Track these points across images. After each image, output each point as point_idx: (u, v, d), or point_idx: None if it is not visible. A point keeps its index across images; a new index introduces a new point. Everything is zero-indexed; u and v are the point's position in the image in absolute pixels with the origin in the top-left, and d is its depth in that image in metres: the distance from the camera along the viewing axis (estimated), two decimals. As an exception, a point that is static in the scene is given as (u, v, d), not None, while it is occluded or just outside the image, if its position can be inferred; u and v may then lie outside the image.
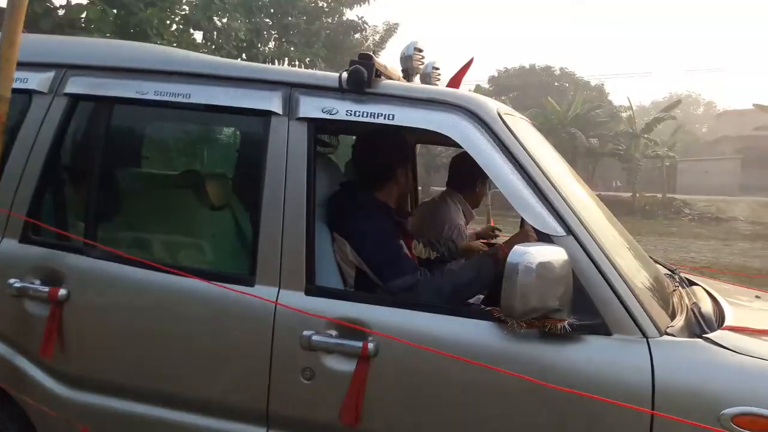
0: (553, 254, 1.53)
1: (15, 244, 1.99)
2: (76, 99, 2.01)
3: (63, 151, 2.04)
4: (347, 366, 1.71)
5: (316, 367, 1.73)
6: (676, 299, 1.99)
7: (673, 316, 1.78)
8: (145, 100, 1.94)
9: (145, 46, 2.11)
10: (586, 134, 27.16)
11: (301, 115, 1.83)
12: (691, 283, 2.39)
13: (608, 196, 30.62)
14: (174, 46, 18.23)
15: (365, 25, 28.54)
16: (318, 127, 1.86)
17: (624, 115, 31.04)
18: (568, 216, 1.67)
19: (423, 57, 2.38)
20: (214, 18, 21.51)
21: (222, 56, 20.87)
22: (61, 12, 16.16)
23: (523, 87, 39.47)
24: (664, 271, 2.45)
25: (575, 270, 1.61)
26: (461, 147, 1.77)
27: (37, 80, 2.04)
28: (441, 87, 2.04)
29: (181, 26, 20.18)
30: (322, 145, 2.48)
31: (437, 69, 2.66)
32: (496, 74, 42.68)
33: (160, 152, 2.30)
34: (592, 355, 1.60)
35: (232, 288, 1.75)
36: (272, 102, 1.85)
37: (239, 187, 2.27)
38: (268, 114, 1.85)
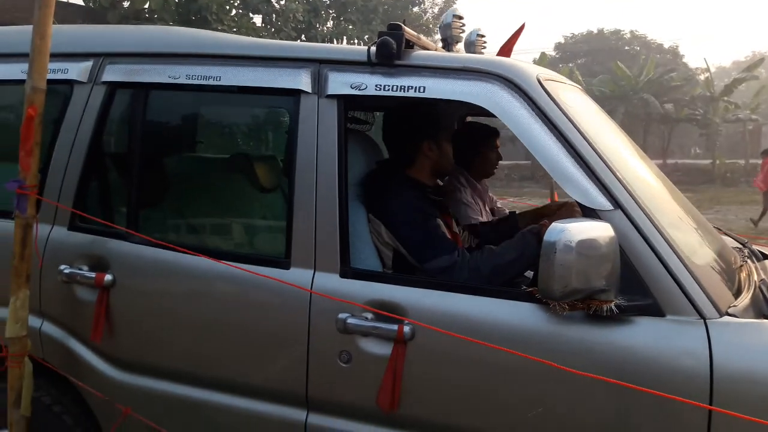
0: (597, 230, 1.41)
1: (64, 231, 2.05)
2: (114, 86, 2.03)
3: (104, 138, 2.07)
4: (384, 349, 1.66)
5: (352, 350, 1.69)
6: (743, 275, 1.83)
7: (738, 294, 1.63)
8: (177, 84, 1.93)
9: (175, 30, 2.11)
10: (659, 99, 25.88)
11: (330, 93, 1.77)
12: (765, 257, 2.20)
13: (686, 164, 29.18)
14: (233, 31, 18.56)
15: (423, -3, 28.08)
16: (348, 103, 1.80)
17: (701, 77, 29.36)
18: (616, 189, 1.54)
19: (463, 25, 2.27)
20: (272, 0, 21.75)
21: (281, 38, 21.15)
22: (126, 4, 16.74)
23: (591, 53, 37.95)
24: (733, 244, 2.27)
25: (624, 246, 1.49)
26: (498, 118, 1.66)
27: (76, 70, 2.07)
28: (476, 55, 1.92)
29: (240, 11, 20.54)
30: (358, 122, 2.42)
31: (482, 36, 2.54)
32: (562, 41, 41.18)
33: (195, 135, 2.31)
34: (643, 338, 1.48)
35: (264, 275, 1.72)
36: (301, 80, 1.79)
37: (275, 169, 2.25)
38: (297, 93, 1.80)
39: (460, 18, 2.25)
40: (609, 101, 24.88)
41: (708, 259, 1.71)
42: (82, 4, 16.49)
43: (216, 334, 1.87)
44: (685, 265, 1.50)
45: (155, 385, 1.93)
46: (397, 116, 2.10)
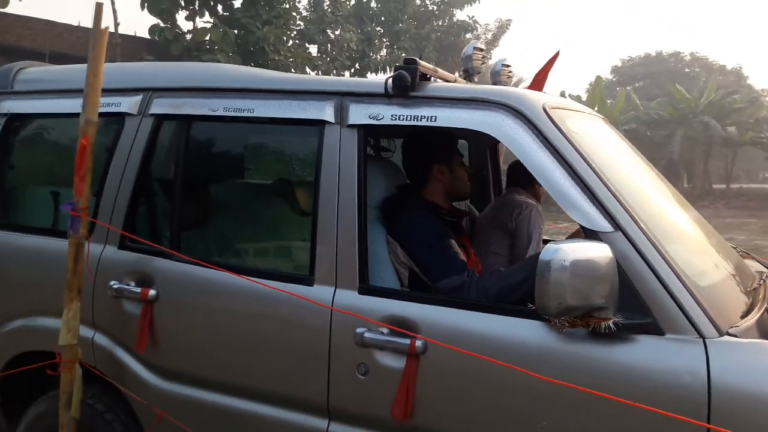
0: (593, 251, 1.48)
1: (115, 250, 2.25)
2: (160, 118, 2.23)
3: (152, 165, 2.26)
4: (398, 362, 1.75)
5: (369, 363, 1.80)
6: (759, 296, 1.85)
7: (747, 315, 1.66)
8: (216, 116, 2.11)
9: (215, 66, 2.30)
10: (721, 122, 25.11)
11: (351, 122, 1.91)
12: None
13: (751, 189, 28.00)
14: (290, 62, 19.19)
15: (476, 24, 28.27)
16: (368, 132, 1.93)
17: (767, 99, 28.31)
18: (617, 211, 1.61)
19: (484, 56, 2.39)
20: (327, 31, 22.42)
21: (336, 67, 21.56)
22: (188, 36, 17.60)
23: (650, 75, 37.21)
24: (759, 267, 2.27)
25: (624, 267, 1.55)
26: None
27: (127, 104, 2.28)
28: (485, 86, 2.03)
29: (297, 41, 21.24)
30: (381, 149, 2.55)
31: (507, 66, 2.64)
32: (619, 64, 40.58)
33: (232, 163, 2.49)
34: (642, 355, 1.53)
35: (289, 292, 1.85)
36: (325, 111, 1.94)
37: (304, 193, 2.41)
38: (322, 123, 1.95)
39: (481, 50, 2.36)
40: (667, 124, 24.34)
41: (715, 279, 1.74)
42: (148, 37, 17.43)
43: (248, 347, 2.00)
44: (685, 285, 1.54)
45: (192, 393, 2.08)
46: (410, 142, 2.23)
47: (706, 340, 1.50)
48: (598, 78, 25.06)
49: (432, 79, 1.98)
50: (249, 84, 2.10)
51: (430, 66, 1.98)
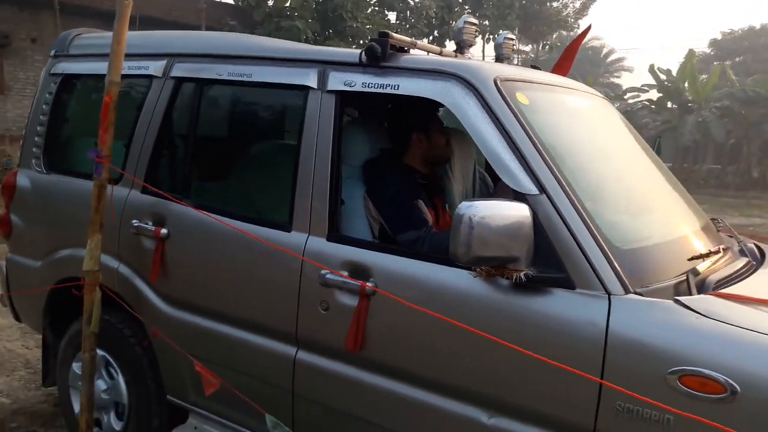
0: (507, 209, 1.65)
1: (138, 193, 2.59)
2: (180, 81, 2.54)
3: (171, 122, 2.58)
4: (353, 301, 2.00)
5: (330, 300, 2.05)
6: (703, 264, 1.92)
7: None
8: (222, 79, 2.40)
9: (224, 35, 2.57)
10: (826, 102, 23.22)
11: (329, 88, 2.13)
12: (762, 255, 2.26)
13: None
14: (367, 28, 19.31)
15: (563, -9, 27.28)
16: (344, 98, 2.14)
17: None
18: (544, 176, 1.75)
19: (477, 30, 2.52)
20: (407, -3, 22.32)
21: (414, 34, 21.50)
22: (270, 2, 18.07)
23: (752, 50, 34.66)
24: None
25: (546, 226, 1.71)
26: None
27: (154, 67, 2.60)
28: (446, 58, 2.18)
29: (375, 8, 21.31)
30: (366, 113, 2.76)
31: (510, 39, 2.77)
32: (719, 36, 38.01)
33: (234, 121, 2.78)
34: (554, 306, 1.69)
35: (266, 241, 2.13)
36: (309, 78, 2.17)
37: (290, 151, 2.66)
38: (306, 88, 2.18)
39: (473, 24, 2.50)
40: (765, 102, 22.77)
41: (645, 244, 1.86)
42: (232, 2, 18.04)
43: (236, 282, 2.31)
44: (600, 246, 1.68)
45: (190, 318, 2.42)
46: (393, 111, 2.42)
47: (611, 296, 1.64)
48: (691, 52, 23.70)
49: (409, 51, 2.16)
50: (248, 52, 2.37)
51: (408, 39, 2.16)
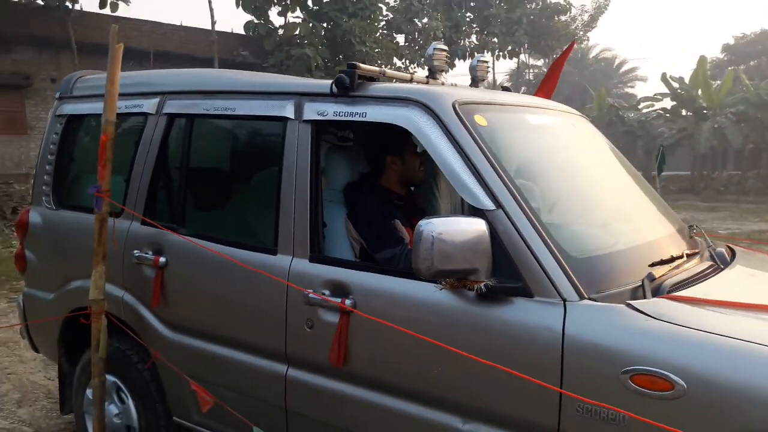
0: (464, 225, 1.76)
1: (138, 225, 2.75)
2: (172, 117, 2.71)
3: (165, 156, 2.74)
4: (335, 318, 2.11)
5: (314, 318, 2.17)
6: (662, 269, 2.00)
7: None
8: (209, 114, 2.57)
9: (209, 72, 2.75)
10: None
11: (305, 118, 2.28)
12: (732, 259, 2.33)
13: None
14: (376, 52, 19.62)
15: (570, 6, 27.42)
16: (319, 127, 2.29)
17: None
18: (501, 193, 1.87)
19: (447, 55, 2.65)
20: (415, 20, 22.68)
21: (423, 55, 21.74)
22: (280, 32, 18.48)
23: (767, 53, 34.38)
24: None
25: (504, 239, 1.82)
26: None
27: (147, 105, 2.78)
28: (409, 85, 2.31)
29: (384, 31, 21.64)
30: (345, 140, 2.90)
31: (484, 61, 2.90)
32: (731, 41, 37.79)
33: (222, 152, 2.95)
34: (514, 314, 1.79)
35: (252, 267, 2.27)
36: (286, 109, 2.33)
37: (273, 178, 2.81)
38: (285, 119, 2.33)
39: (443, 50, 2.62)
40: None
41: (601, 252, 1.96)
42: (243, 33, 18.49)
43: (229, 305, 2.44)
44: (554, 256, 1.79)
45: (188, 341, 2.55)
46: (368, 136, 2.57)
47: (566, 302, 1.74)
48: (702, 58, 23.61)
49: (379, 80, 2.30)
50: (232, 87, 2.54)
51: (376, 68, 2.31)
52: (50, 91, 16.25)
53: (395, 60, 21.08)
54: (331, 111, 2.21)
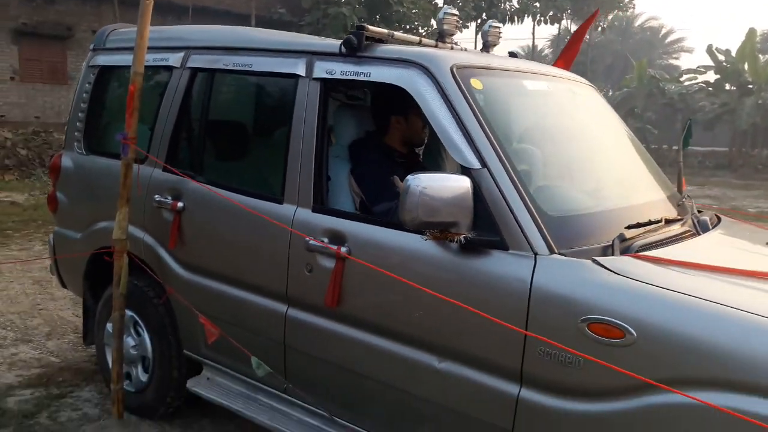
0: (448, 181, 1.91)
1: (159, 172, 2.96)
2: (195, 71, 2.89)
3: (187, 107, 2.93)
4: (331, 264, 2.30)
5: (313, 263, 2.36)
6: (631, 232, 2.10)
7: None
8: (228, 69, 2.73)
9: (230, 29, 2.90)
10: None
11: (315, 76, 2.43)
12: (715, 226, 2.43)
13: None
14: (413, 13, 19.40)
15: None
16: (327, 85, 2.43)
17: None
18: (487, 153, 2.00)
19: (458, 19, 2.75)
20: (454, -21, 22.25)
21: (461, 17, 21.48)
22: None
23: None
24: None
25: (486, 196, 1.96)
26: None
27: (173, 59, 2.96)
28: (413, 47, 2.41)
29: (422, -10, 21.30)
30: (355, 99, 3.04)
31: (497, 27, 2.98)
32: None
33: (239, 106, 3.11)
34: (491, 265, 1.95)
35: (260, 214, 2.46)
36: (298, 67, 2.47)
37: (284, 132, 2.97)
38: (297, 76, 2.48)
39: (454, 15, 2.71)
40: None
41: (576, 213, 2.09)
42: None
43: (238, 248, 2.64)
44: (531, 213, 1.92)
45: (201, 281, 2.77)
46: (375, 96, 2.70)
47: (537, 256, 1.89)
48: (751, 30, 22.76)
49: (387, 42, 2.42)
50: (250, 44, 2.69)
51: (385, 31, 2.42)
52: (91, 42, 16.64)
53: (432, 21, 20.80)
54: (339, 70, 2.35)
